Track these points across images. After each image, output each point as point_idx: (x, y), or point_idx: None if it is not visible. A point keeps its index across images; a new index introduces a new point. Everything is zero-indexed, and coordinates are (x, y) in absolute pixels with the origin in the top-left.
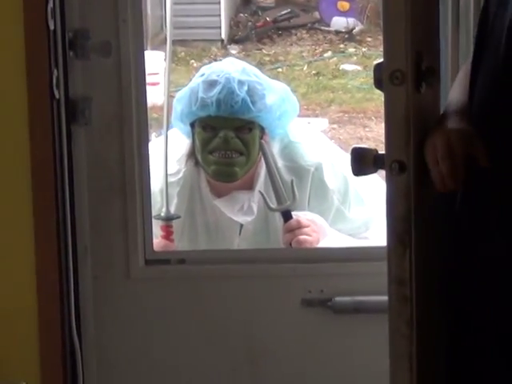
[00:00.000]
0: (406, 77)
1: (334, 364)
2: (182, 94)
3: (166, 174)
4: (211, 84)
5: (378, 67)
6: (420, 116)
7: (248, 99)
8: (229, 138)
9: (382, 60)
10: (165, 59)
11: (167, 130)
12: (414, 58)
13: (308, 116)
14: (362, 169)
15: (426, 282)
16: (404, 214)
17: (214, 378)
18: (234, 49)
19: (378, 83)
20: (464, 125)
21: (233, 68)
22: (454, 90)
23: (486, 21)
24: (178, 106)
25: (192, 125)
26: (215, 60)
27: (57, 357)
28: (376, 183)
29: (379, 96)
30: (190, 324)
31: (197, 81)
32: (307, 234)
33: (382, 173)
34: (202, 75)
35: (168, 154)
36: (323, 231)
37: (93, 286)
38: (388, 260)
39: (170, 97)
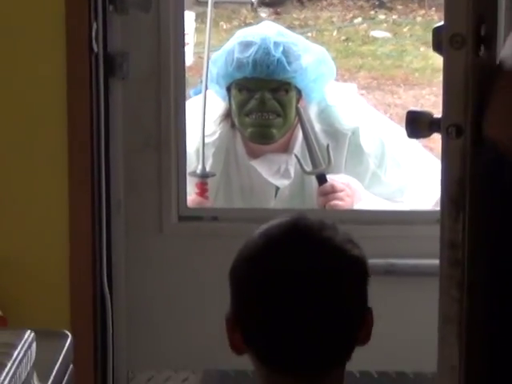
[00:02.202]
0: (467, 41)
1: None
2: (217, 56)
3: (203, 132)
4: (247, 45)
5: (437, 31)
6: (478, 80)
7: (284, 60)
8: (265, 99)
9: (441, 23)
10: (195, 20)
11: (206, 90)
12: (474, 22)
13: (337, 81)
14: (417, 132)
15: (479, 247)
16: (459, 177)
17: None
18: (263, 12)
19: (437, 47)
20: None
21: (268, 30)
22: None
23: None
24: (214, 69)
25: (228, 88)
26: (245, 22)
27: (87, 307)
28: (413, 148)
29: (408, 64)
30: (220, 281)
31: (233, 42)
32: (341, 199)
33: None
34: (238, 37)
35: (205, 114)
36: (358, 195)
37: (125, 240)
38: (441, 224)
39: (199, 58)
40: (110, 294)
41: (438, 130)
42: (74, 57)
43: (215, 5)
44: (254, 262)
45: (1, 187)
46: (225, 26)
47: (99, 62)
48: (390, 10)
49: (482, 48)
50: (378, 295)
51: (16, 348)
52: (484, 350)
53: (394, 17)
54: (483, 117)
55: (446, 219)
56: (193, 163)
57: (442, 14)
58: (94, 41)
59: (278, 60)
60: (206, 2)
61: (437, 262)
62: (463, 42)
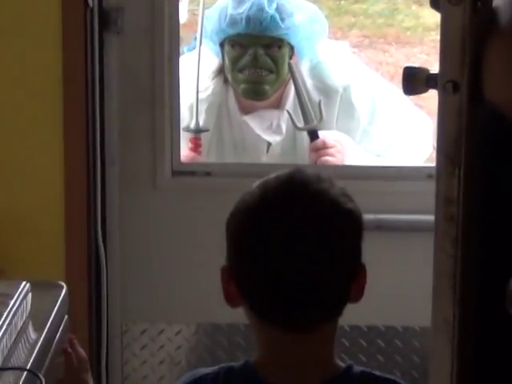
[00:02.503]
0: None
1: None
2: (211, 12)
3: (198, 88)
4: (241, 1)
5: None
6: (476, 36)
7: (277, 16)
8: (258, 56)
9: None
10: None
11: (200, 46)
12: None
13: (329, 39)
14: (414, 88)
15: (474, 203)
16: (456, 133)
17: None
18: None
19: (434, 3)
20: None
21: None
22: None
23: None
24: (208, 25)
25: (221, 44)
26: None
27: (82, 260)
28: (404, 106)
29: (400, 22)
30: (213, 235)
31: (229, 2)
32: (332, 155)
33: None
34: None
35: (199, 70)
36: (348, 151)
37: (119, 194)
38: (437, 179)
39: (193, 15)
40: (105, 246)
41: (434, 86)
42: (69, 11)
43: None
44: (249, 213)
45: None
46: None
47: (94, 16)
48: None
49: (479, 3)
50: (367, 250)
51: (12, 298)
52: (477, 305)
53: None
54: (480, 76)
55: (442, 175)
56: (186, 118)
57: None
58: None
59: (271, 16)
60: None
61: (427, 217)
62: None
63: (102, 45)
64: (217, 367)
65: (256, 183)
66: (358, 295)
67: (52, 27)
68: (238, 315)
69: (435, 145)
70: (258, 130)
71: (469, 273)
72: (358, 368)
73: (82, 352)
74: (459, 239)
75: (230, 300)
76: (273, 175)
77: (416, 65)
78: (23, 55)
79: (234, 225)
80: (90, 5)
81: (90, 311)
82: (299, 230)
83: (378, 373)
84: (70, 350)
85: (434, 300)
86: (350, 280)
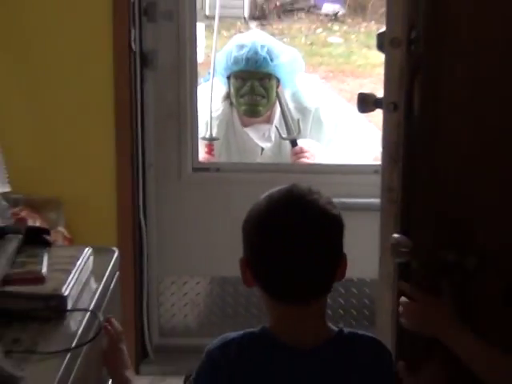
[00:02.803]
0: (402, 42)
1: None
2: (220, 55)
3: (211, 109)
4: (241, 47)
5: (380, 35)
6: (409, 70)
7: (267, 57)
8: (254, 86)
9: (383, 30)
10: (204, 29)
11: (213, 79)
12: (407, 29)
13: (305, 73)
14: (365, 108)
15: (410, 190)
16: (395, 139)
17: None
18: (252, 24)
19: (380, 47)
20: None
21: (256, 36)
22: None
23: None
24: (218, 63)
25: (228, 77)
26: (240, 31)
27: (129, 232)
28: (359, 120)
29: (354, 61)
30: (222, 213)
31: (231, 45)
32: (307, 157)
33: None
34: (235, 41)
35: (212, 96)
36: (318, 154)
37: (155, 185)
38: (382, 173)
39: (208, 56)
40: (145, 222)
41: (380, 107)
42: (118, 54)
43: (219, 19)
44: (259, 219)
45: (68, 148)
46: (225, 34)
47: (137, 58)
48: (342, 22)
49: (413, 47)
50: None
51: (78, 259)
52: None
53: (345, 28)
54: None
55: (386, 170)
56: (203, 131)
57: (380, 26)
58: (132, 42)
59: (263, 58)
60: (213, 17)
61: (374, 200)
62: (399, 43)
63: (142, 78)
64: (242, 332)
65: (263, 195)
66: (341, 276)
67: (107, 66)
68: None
69: (381, 147)
70: (255, 139)
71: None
72: (346, 329)
73: (119, 326)
74: (398, 218)
75: (247, 282)
76: (276, 189)
77: (367, 91)
78: (86, 88)
79: (249, 229)
80: (134, 49)
81: (135, 268)
82: (298, 232)
83: (360, 332)
84: (109, 327)
85: (381, 259)
86: (335, 266)
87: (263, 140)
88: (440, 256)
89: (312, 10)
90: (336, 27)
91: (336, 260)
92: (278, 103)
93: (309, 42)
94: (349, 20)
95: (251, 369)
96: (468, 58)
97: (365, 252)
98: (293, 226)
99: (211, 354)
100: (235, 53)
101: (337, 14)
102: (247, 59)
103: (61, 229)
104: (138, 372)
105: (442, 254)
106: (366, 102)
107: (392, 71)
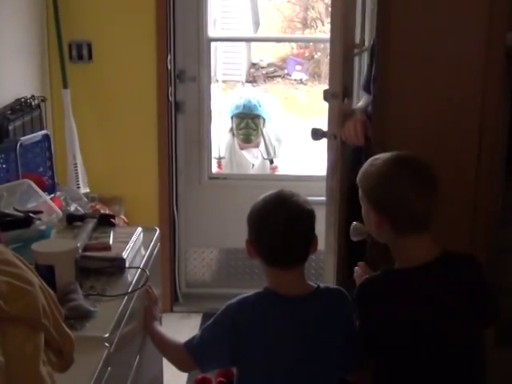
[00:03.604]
0: (339, 95)
1: None
2: (229, 105)
3: (219, 140)
4: (240, 98)
5: (325, 91)
6: (343, 114)
7: (257, 104)
8: (248, 123)
9: (327, 88)
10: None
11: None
12: (342, 87)
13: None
14: (316, 137)
15: (344, 191)
16: (335, 158)
17: (238, 234)
18: (247, 85)
19: (325, 98)
20: (363, 116)
21: (250, 92)
22: (360, 103)
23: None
24: (228, 109)
25: (231, 117)
26: (239, 89)
27: (166, 218)
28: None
29: (313, 108)
30: (227, 207)
31: (235, 99)
32: (278, 170)
33: None
34: (236, 95)
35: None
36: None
37: (184, 188)
38: (326, 180)
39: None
40: (177, 212)
41: (325, 137)
42: (160, 103)
43: (225, 81)
44: (258, 213)
45: (127, 162)
46: (229, 91)
47: (172, 106)
48: (305, 84)
49: (346, 99)
50: None
51: (133, 235)
52: (345, 236)
53: (307, 87)
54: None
55: (329, 177)
56: (216, 152)
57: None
58: (169, 96)
59: (254, 105)
60: (222, 80)
61: (323, 198)
62: (337, 96)
63: (176, 119)
64: (252, 293)
65: (260, 197)
66: (314, 249)
67: (153, 111)
68: (242, 244)
69: (326, 162)
70: (248, 158)
71: (343, 224)
72: (322, 284)
73: (155, 294)
74: (337, 209)
75: (251, 255)
76: (268, 193)
77: (318, 127)
78: (140, 125)
79: (251, 219)
80: (170, 100)
81: (170, 242)
82: (285, 222)
83: (330, 286)
84: (150, 290)
85: (326, 233)
86: (311, 243)
87: (254, 158)
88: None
89: (286, 76)
90: (302, 87)
91: (311, 239)
92: (262, 136)
93: (284, 97)
94: (309, 83)
95: (262, 317)
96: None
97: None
98: (281, 218)
99: (230, 307)
100: (236, 102)
101: (302, 79)
102: (244, 105)
103: (122, 216)
104: (171, 310)
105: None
106: (316, 134)
107: (332, 114)
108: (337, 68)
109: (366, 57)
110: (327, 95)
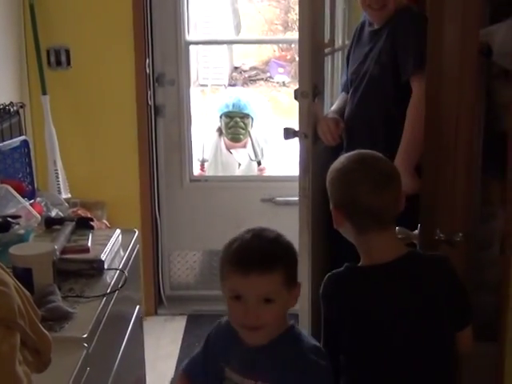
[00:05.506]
0: (308, 94)
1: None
2: (219, 104)
3: (203, 143)
4: (229, 98)
5: (296, 90)
6: (313, 113)
7: (246, 104)
8: (237, 122)
9: (297, 87)
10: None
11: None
12: (312, 86)
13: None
14: (288, 137)
15: (315, 191)
16: (306, 157)
17: (220, 236)
18: (230, 88)
19: (296, 97)
20: (336, 116)
21: (238, 92)
22: (334, 104)
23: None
24: (217, 108)
25: (220, 116)
26: (222, 93)
27: (148, 220)
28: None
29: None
30: (207, 208)
31: (225, 98)
32: (265, 172)
33: None
34: (225, 95)
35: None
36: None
37: (165, 191)
38: (299, 180)
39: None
40: (159, 213)
41: (297, 136)
42: (140, 107)
43: (206, 85)
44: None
45: (108, 168)
46: (212, 94)
47: (151, 109)
48: (288, 87)
49: (316, 99)
50: (280, 214)
51: (111, 237)
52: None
53: (289, 90)
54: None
55: (301, 178)
56: (198, 154)
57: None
58: (149, 100)
59: (243, 104)
60: (205, 85)
61: (296, 198)
62: (307, 95)
63: (155, 122)
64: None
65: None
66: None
67: (133, 114)
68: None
69: (298, 163)
70: (236, 158)
71: (316, 220)
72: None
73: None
74: (310, 206)
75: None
76: (245, 230)
77: (290, 126)
78: (120, 129)
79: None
80: (150, 104)
81: (153, 245)
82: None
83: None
84: None
85: (300, 233)
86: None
87: (241, 158)
88: None
89: (268, 79)
90: (284, 90)
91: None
92: (249, 137)
93: (267, 100)
94: (292, 85)
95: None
96: None
97: (291, 232)
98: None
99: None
100: (225, 101)
101: (284, 81)
102: (233, 104)
103: (104, 221)
104: (156, 313)
105: None
106: (288, 133)
107: (303, 113)
108: (306, 67)
109: (339, 57)
110: (297, 94)
